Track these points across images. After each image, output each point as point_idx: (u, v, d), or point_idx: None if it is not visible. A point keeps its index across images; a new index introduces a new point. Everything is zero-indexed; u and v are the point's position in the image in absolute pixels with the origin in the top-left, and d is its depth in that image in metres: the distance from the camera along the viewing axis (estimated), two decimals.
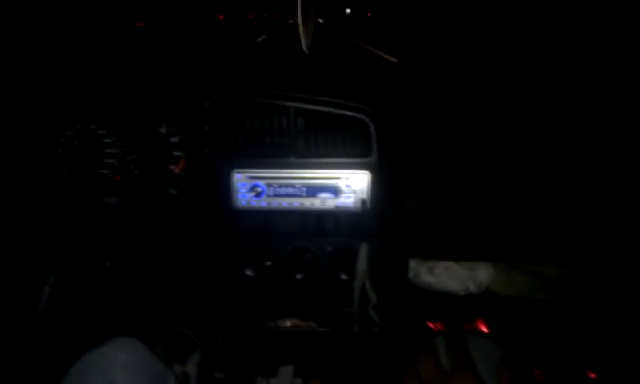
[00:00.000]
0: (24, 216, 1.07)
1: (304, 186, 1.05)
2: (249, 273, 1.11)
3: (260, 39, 12.68)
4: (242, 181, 1.05)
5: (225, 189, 1.06)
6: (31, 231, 1.08)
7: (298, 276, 1.10)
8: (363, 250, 1.07)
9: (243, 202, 1.06)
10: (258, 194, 1.06)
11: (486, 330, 1.16)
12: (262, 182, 1.05)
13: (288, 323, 1.17)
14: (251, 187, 1.05)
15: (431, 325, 1.20)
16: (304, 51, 1.12)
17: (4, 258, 1.04)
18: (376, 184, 1.04)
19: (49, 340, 1.02)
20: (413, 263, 1.14)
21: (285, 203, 1.06)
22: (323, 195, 1.05)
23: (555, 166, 1.04)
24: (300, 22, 1.04)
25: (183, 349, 1.14)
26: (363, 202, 1.05)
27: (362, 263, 1.07)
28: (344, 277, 1.09)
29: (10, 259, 1.06)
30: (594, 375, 1.06)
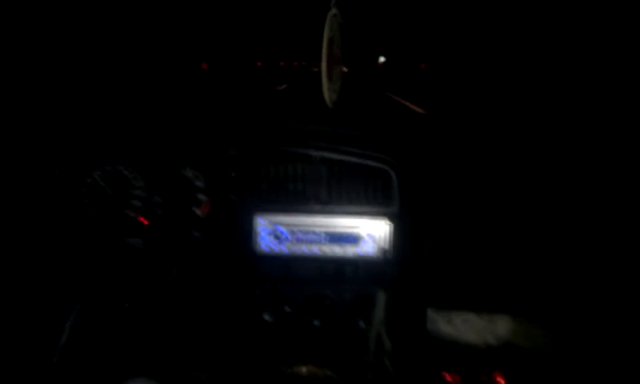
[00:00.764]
0: (49, 253, 1.09)
1: (325, 232, 1.06)
2: (267, 317, 1.11)
3: (281, 88, 12.74)
4: (264, 226, 1.07)
5: (247, 233, 1.07)
6: (55, 269, 1.09)
7: (316, 322, 1.10)
8: (381, 298, 1.07)
9: (265, 247, 1.08)
10: (279, 239, 1.07)
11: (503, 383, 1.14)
12: (284, 228, 1.07)
13: (304, 370, 1.16)
14: (273, 232, 1.07)
15: (448, 376, 1.18)
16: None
17: (28, 295, 1.05)
18: (397, 233, 1.05)
19: (67, 378, 1.01)
20: (431, 313, 1.14)
21: (306, 249, 1.07)
22: (344, 243, 1.06)
23: (574, 218, 1.05)
24: (324, 78, 1.08)
25: None
26: (383, 250, 1.06)
27: (379, 311, 1.07)
28: (362, 324, 1.09)
29: (33, 296, 1.07)
30: None
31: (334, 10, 1.09)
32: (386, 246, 1.06)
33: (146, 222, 1.07)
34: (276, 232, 1.07)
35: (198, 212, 1.07)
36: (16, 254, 1.08)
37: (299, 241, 1.07)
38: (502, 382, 1.15)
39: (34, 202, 1.07)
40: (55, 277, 1.10)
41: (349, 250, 1.07)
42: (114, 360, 1.10)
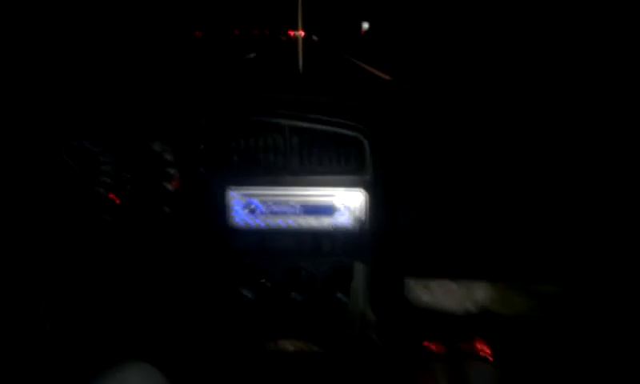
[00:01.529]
0: (19, 233, 1.06)
1: (299, 203, 1.04)
2: (246, 293, 1.09)
3: (251, 56, 12.54)
4: (236, 199, 1.04)
5: (220, 207, 1.05)
6: (26, 248, 1.07)
7: (296, 296, 1.09)
8: (358, 269, 1.05)
9: (238, 221, 1.05)
10: (253, 212, 1.05)
11: (486, 350, 1.14)
12: (257, 200, 1.04)
13: (289, 345, 1.15)
14: (246, 205, 1.04)
15: (431, 346, 1.18)
16: (297, 69, 1.12)
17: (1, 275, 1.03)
18: (371, 202, 1.03)
19: (51, 356, 1.00)
20: (409, 282, 1.13)
21: (281, 221, 1.05)
22: (319, 214, 1.04)
23: (550, 182, 1.03)
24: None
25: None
26: (359, 220, 1.04)
27: (357, 282, 1.06)
28: (342, 297, 1.08)
29: (6, 276, 1.05)
30: None
31: None
32: (362, 216, 1.04)
33: (117, 200, 1.04)
34: (250, 205, 1.04)
35: (169, 186, 1.05)
36: None
37: (274, 213, 1.05)
38: (485, 348, 1.15)
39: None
40: (27, 259, 1.08)
41: (324, 222, 1.05)
42: (96, 342, 1.09)
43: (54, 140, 1.03)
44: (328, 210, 1.04)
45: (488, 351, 1.08)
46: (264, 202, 1.04)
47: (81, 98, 1.09)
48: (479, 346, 1.15)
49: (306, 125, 1.01)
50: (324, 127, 1.01)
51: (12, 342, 1.05)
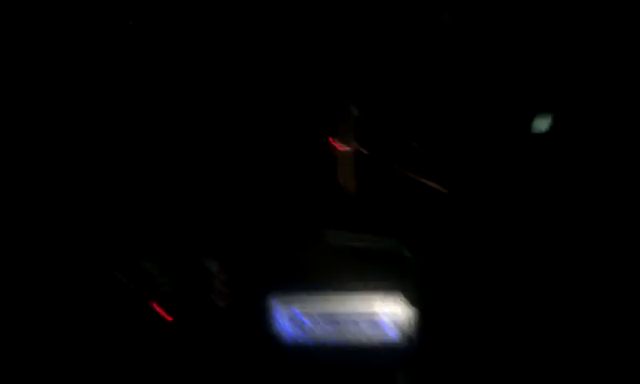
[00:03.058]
0: (74, 345, 1.11)
1: (343, 316, 1.05)
2: None
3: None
4: (282, 312, 1.07)
5: (266, 322, 1.07)
6: (81, 362, 1.11)
7: None
8: (402, 381, 1.03)
9: (284, 334, 1.07)
10: (299, 325, 1.06)
11: None
12: (302, 313, 1.06)
13: None
14: (292, 319, 1.07)
15: None
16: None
17: None
18: (415, 314, 1.03)
19: None
20: None
21: (326, 334, 1.06)
22: (362, 325, 1.05)
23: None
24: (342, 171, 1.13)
25: None
26: (403, 332, 1.03)
27: None
28: None
29: None
30: None
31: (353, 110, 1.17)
32: (405, 328, 1.03)
33: (169, 319, 1.09)
34: (295, 318, 1.07)
35: (220, 303, 1.09)
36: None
37: (318, 326, 1.06)
38: None
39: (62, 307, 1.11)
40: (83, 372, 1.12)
41: (368, 333, 1.04)
42: None
43: (111, 258, 1.12)
44: (371, 322, 1.04)
45: None
46: (308, 315, 1.06)
47: (139, 218, 1.19)
48: None
49: (351, 243, 1.06)
50: (368, 244, 1.05)
51: None
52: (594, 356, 0.99)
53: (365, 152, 1.22)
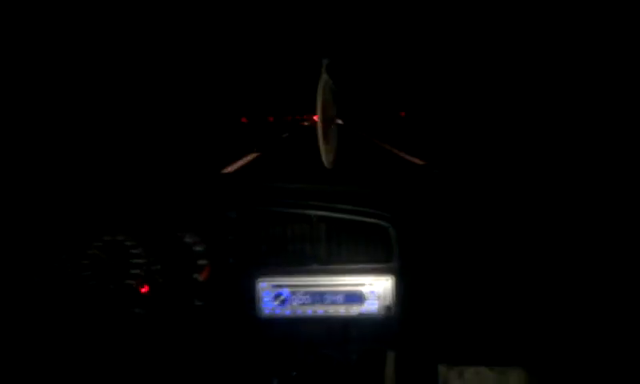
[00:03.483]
0: (51, 325, 1.07)
1: (328, 292, 1.04)
2: (275, 383, 1.07)
3: (284, 136, 12.78)
4: (266, 289, 1.05)
5: (249, 297, 1.05)
6: (58, 340, 1.07)
7: None
8: (390, 357, 1.04)
9: (268, 311, 1.06)
10: (283, 302, 1.05)
11: None
12: (285, 290, 1.05)
13: None
14: (275, 295, 1.05)
15: None
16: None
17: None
18: (400, 289, 1.03)
19: None
20: (442, 369, 1.10)
21: (309, 311, 1.05)
22: (347, 302, 1.05)
23: (585, 272, 1.02)
24: (321, 141, 1.10)
25: None
26: (388, 308, 1.04)
27: (389, 370, 1.04)
28: None
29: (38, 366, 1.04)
30: None
31: (325, 76, 1.13)
32: (390, 304, 1.04)
33: (146, 290, 1.05)
34: (278, 294, 1.05)
35: (199, 277, 1.06)
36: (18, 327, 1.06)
37: (302, 302, 1.05)
38: None
39: (34, 274, 1.06)
40: (58, 350, 1.08)
41: (353, 309, 1.04)
42: None
43: (87, 235, 1.07)
44: (356, 298, 1.04)
45: None
46: (293, 292, 1.05)
47: (114, 193, 1.14)
48: None
49: (333, 215, 1.04)
50: (351, 216, 1.04)
51: None
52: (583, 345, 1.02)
53: (342, 123, 1.20)
